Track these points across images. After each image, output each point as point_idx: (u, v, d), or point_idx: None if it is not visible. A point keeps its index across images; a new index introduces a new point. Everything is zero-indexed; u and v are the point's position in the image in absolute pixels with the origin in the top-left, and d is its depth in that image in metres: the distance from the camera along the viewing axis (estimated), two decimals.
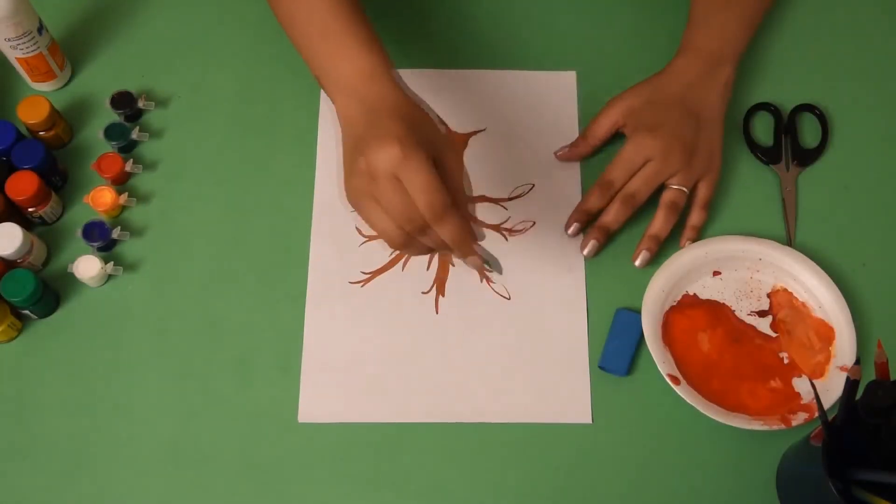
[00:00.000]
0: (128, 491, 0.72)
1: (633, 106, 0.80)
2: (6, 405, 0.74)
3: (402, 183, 0.61)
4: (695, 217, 0.79)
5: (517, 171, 0.83)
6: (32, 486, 0.72)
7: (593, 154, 0.83)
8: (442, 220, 0.62)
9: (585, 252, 0.78)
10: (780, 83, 0.86)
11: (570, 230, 0.79)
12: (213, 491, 0.72)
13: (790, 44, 0.88)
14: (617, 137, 0.82)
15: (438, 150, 0.64)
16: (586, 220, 0.79)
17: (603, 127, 0.81)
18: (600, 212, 0.79)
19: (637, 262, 0.78)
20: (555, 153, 0.83)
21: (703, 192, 0.79)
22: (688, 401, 0.72)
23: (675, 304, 0.77)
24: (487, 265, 0.70)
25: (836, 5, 0.90)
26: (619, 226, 0.78)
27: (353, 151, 0.64)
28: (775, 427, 0.72)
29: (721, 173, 0.81)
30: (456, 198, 0.64)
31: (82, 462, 0.73)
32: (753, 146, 0.84)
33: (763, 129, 0.85)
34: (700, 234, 0.80)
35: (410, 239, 0.64)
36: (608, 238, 0.79)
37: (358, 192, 0.64)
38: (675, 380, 0.73)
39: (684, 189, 0.78)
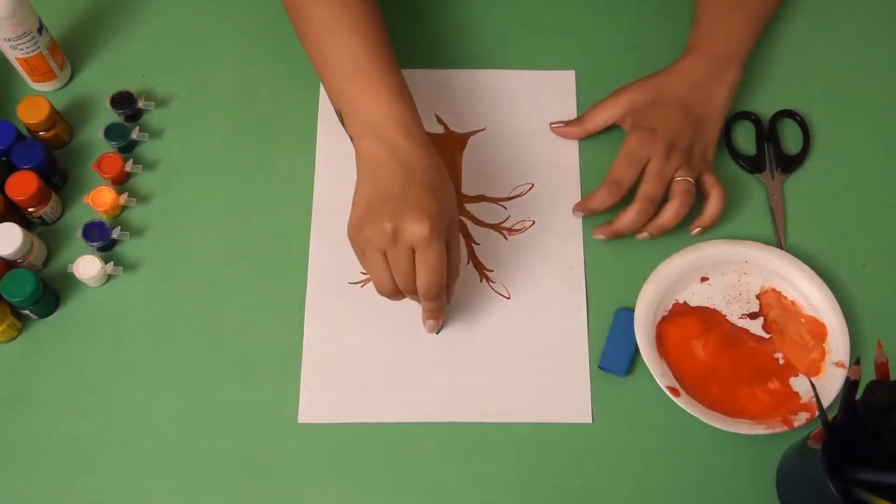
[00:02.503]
0: (128, 491, 0.72)
1: (637, 103, 0.80)
2: (6, 405, 0.74)
3: (416, 256, 0.67)
4: (712, 207, 0.78)
5: (516, 171, 0.83)
6: (32, 486, 0.72)
7: (584, 138, 0.83)
8: (432, 299, 0.69)
9: (595, 236, 0.78)
10: (758, 91, 0.86)
11: (575, 215, 0.80)
12: (214, 491, 0.72)
13: (767, 51, 0.88)
14: (612, 128, 0.82)
15: (452, 223, 0.70)
16: (590, 216, 0.80)
17: (603, 115, 0.81)
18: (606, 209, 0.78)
19: (638, 237, 0.78)
20: (550, 123, 0.83)
21: (709, 180, 0.79)
22: (689, 412, 0.72)
23: (666, 313, 0.77)
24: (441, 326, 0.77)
25: (809, 12, 0.90)
26: (634, 229, 0.77)
27: (380, 205, 0.67)
28: (778, 430, 0.72)
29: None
30: (453, 269, 0.71)
31: (82, 462, 0.73)
32: (737, 156, 0.83)
33: (745, 138, 0.85)
34: (714, 222, 0.79)
35: (397, 298, 0.71)
36: (617, 238, 0.78)
37: (370, 241, 0.68)
38: (675, 391, 0.73)
39: (689, 179, 0.77)
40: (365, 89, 0.71)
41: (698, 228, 0.79)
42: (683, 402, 0.72)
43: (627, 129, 0.80)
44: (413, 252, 0.67)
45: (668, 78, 0.80)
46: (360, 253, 0.70)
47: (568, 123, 0.83)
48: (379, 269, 0.69)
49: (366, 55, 0.71)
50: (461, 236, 0.80)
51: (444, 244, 0.68)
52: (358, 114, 0.71)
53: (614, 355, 0.76)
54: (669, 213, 0.76)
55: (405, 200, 0.67)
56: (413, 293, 0.70)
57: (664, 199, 0.77)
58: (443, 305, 0.72)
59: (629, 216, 0.76)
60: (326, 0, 0.73)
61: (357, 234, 0.69)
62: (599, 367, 0.76)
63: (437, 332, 0.76)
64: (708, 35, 0.81)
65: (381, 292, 0.71)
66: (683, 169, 0.77)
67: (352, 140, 0.72)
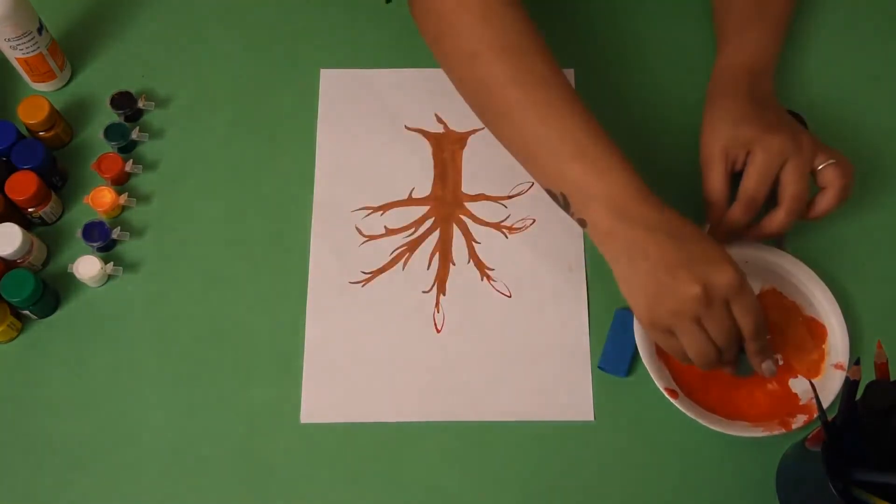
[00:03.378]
0: (128, 491, 0.72)
1: (725, 135, 0.74)
2: (6, 405, 0.74)
3: (732, 306, 0.65)
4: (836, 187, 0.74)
5: (516, 169, 0.82)
6: (32, 485, 0.72)
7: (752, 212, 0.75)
8: (760, 336, 0.67)
9: (765, 373, 0.72)
10: None
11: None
12: (215, 492, 0.72)
13: None
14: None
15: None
16: (735, 237, 0.75)
17: (719, 178, 0.74)
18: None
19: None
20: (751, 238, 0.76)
21: (843, 160, 0.74)
22: (687, 413, 0.72)
23: None
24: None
25: (809, 12, 0.89)
26: (784, 231, 0.74)
27: (671, 277, 0.64)
28: (776, 432, 0.72)
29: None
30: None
31: (82, 462, 0.73)
32: None
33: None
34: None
35: (719, 362, 0.68)
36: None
37: (679, 315, 0.65)
38: (673, 393, 0.73)
39: (830, 161, 0.73)
40: (595, 171, 0.67)
41: (811, 216, 0.75)
42: (682, 404, 0.72)
43: (751, 153, 0.73)
44: (727, 304, 0.65)
45: (721, 102, 0.76)
46: (668, 335, 0.67)
47: (727, 230, 0.74)
48: (699, 339, 0.66)
49: (586, 133, 0.68)
50: (462, 234, 0.80)
51: (747, 281, 0.65)
52: (592, 194, 0.67)
53: (614, 356, 0.75)
54: (826, 204, 0.74)
55: (697, 259, 0.64)
56: (734, 348, 0.67)
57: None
58: (769, 346, 0.70)
59: (774, 221, 0.73)
60: (529, 81, 0.69)
61: (660, 317, 0.66)
62: (599, 367, 0.76)
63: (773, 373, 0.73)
64: (738, 49, 0.79)
65: (705, 364, 0.67)
66: (820, 152, 0.73)
67: (583, 224, 0.69)
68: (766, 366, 0.71)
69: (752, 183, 0.72)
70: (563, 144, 0.68)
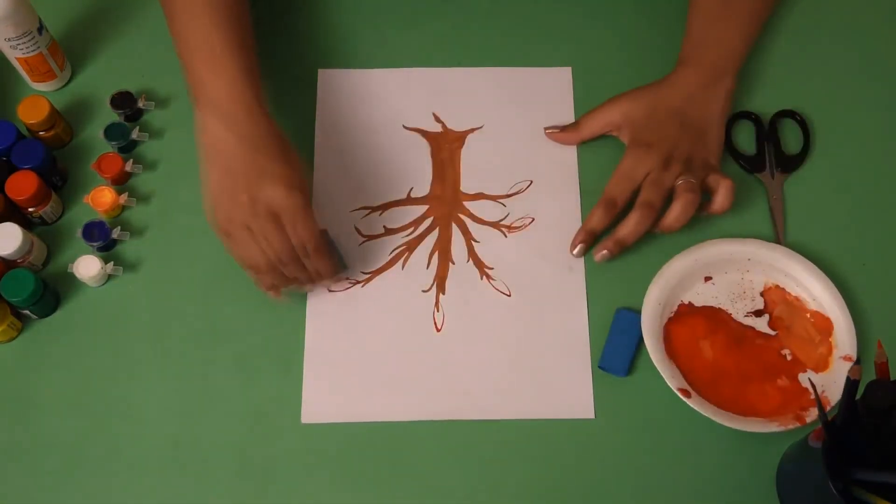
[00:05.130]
0: (128, 492, 0.72)
1: (632, 115, 0.80)
2: (6, 405, 0.75)
3: (282, 220, 0.69)
4: (719, 202, 0.78)
5: (515, 168, 0.83)
6: (32, 486, 0.72)
7: (577, 144, 0.83)
8: (316, 252, 0.71)
9: (597, 259, 0.78)
10: (758, 91, 0.86)
11: (576, 251, 0.78)
12: (215, 492, 0.72)
13: (767, 51, 0.87)
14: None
15: (304, 189, 0.71)
16: (592, 240, 0.78)
17: (598, 123, 0.81)
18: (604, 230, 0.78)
19: (596, 256, 0.78)
20: (545, 129, 0.83)
21: (714, 176, 0.78)
22: (701, 412, 0.71)
23: (672, 315, 0.77)
24: (342, 267, 0.78)
25: (809, 11, 0.89)
26: (636, 238, 0.77)
27: (232, 182, 0.69)
28: (791, 426, 0.72)
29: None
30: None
31: (82, 462, 0.73)
32: (737, 156, 0.83)
33: (745, 138, 0.84)
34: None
35: (277, 270, 0.72)
36: (622, 250, 0.78)
37: (231, 221, 0.70)
38: (686, 393, 0.73)
39: (693, 180, 0.76)
40: (214, 70, 0.72)
41: (705, 213, 0.78)
42: (695, 403, 0.72)
43: (624, 140, 0.81)
44: (277, 218, 0.69)
45: (663, 90, 0.80)
46: (226, 236, 0.71)
47: (563, 129, 0.83)
48: (247, 244, 0.70)
49: (220, 37, 0.73)
50: (461, 234, 0.80)
51: (308, 205, 0.70)
52: (206, 94, 0.72)
53: (614, 356, 0.75)
54: (676, 212, 0.76)
55: (260, 173, 0.69)
56: (287, 263, 0.71)
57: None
58: (331, 264, 0.73)
59: (629, 223, 0.76)
60: None
61: (216, 218, 0.71)
62: (599, 367, 0.75)
63: (345, 270, 0.77)
64: (701, 45, 0.81)
65: (255, 268, 0.71)
66: (684, 176, 0.77)
67: (197, 124, 0.73)
68: (334, 283, 0.77)
69: (613, 185, 0.78)
70: (201, 48, 0.73)
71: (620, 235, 0.77)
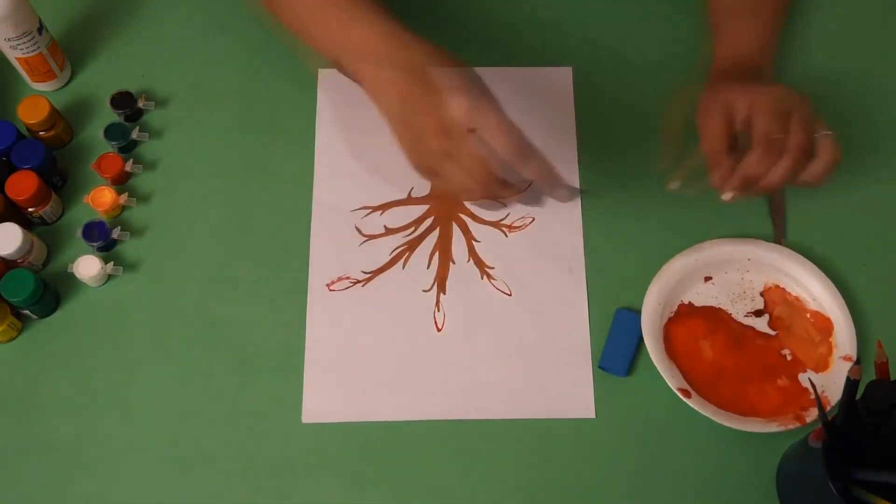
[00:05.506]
0: (128, 492, 0.72)
1: (726, 91, 0.72)
2: (6, 405, 0.75)
3: (479, 132, 0.62)
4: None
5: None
6: (32, 486, 0.72)
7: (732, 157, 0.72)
8: (527, 157, 0.64)
9: (727, 198, 0.70)
10: None
11: (727, 196, 0.71)
12: (216, 492, 0.72)
13: None
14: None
15: (482, 85, 0.65)
16: (746, 188, 0.70)
17: (717, 125, 0.71)
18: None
19: (726, 197, 0.71)
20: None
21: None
22: (702, 412, 0.72)
23: (672, 315, 0.77)
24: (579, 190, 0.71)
25: (809, 10, 0.89)
26: (784, 184, 0.70)
27: (412, 115, 0.63)
28: (791, 426, 0.72)
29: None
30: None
31: (82, 462, 0.73)
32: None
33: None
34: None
35: (490, 190, 0.65)
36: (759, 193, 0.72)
37: (432, 155, 0.64)
38: (687, 393, 0.73)
39: (830, 133, 0.71)
40: (349, 23, 0.68)
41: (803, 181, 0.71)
42: (696, 404, 0.72)
43: (749, 104, 0.71)
44: (472, 132, 0.63)
45: (717, 80, 0.75)
46: (432, 177, 0.66)
47: (722, 178, 0.71)
48: (453, 174, 0.64)
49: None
50: (462, 233, 0.80)
51: (497, 105, 0.63)
52: (349, 48, 0.68)
53: (614, 355, 0.75)
54: (820, 168, 0.70)
55: (428, 93, 0.63)
56: (499, 177, 0.65)
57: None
58: (548, 164, 0.66)
59: (782, 166, 0.69)
60: None
61: (417, 160, 0.65)
62: (600, 367, 0.75)
63: (578, 195, 0.70)
64: (734, 44, 0.78)
65: (472, 196, 0.66)
66: (820, 125, 0.71)
67: (359, 82, 0.68)
68: (560, 192, 0.68)
69: (765, 124, 0.69)
70: (317, 6, 0.69)
71: (773, 179, 0.69)
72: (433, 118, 0.63)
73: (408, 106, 0.65)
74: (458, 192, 0.65)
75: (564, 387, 0.75)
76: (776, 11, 0.82)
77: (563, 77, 0.86)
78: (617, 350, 0.76)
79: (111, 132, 0.82)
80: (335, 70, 0.85)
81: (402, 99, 0.65)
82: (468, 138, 0.63)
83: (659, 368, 0.73)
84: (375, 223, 0.81)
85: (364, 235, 0.80)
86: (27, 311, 0.76)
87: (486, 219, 0.81)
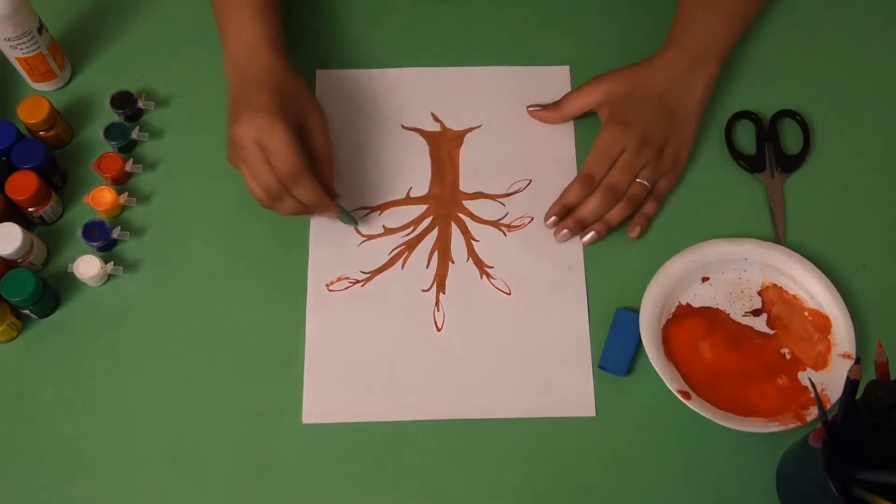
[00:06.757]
0: (128, 492, 0.72)
1: (614, 93, 0.80)
2: (6, 405, 0.75)
3: (263, 150, 0.70)
4: (648, 206, 0.80)
5: (514, 167, 0.83)
6: (32, 486, 0.72)
7: (561, 123, 0.84)
8: (297, 183, 0.71)
9: (557, 239, 0.79)
10: (759, 91, 0.86)
11: (549, 222, 0.79)
12: (215, 492, 0.72)
13: (766, 51, 0.87)
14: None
15: (306, 114, 0.74)
16: (566, 214, 0.79)
17: (581, 101, 0.82)
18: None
19: (583, 239, 0.79)
20: (528, 107, 0.84)
21: (662, 186, 0.80)
22: (702, 413, 0.71)
23: (670, 316, 0.77)
24: (347, 218, 0.79)
25: (809, 10, 0.89)
26: (595, 218, 0.79)
27: (230, 118, 0.72)
28: (792, 426, 0.72)
29: (683, 174, 0.82)
30: (321, 155, 0.75)
31: (82, 462, 0.73)
32: (737, 155, 0.83)
33: (745, 137, 0.84)
34: (650, 224, 0.80)
35: (274, 200, 0.72)
36: (583, 229, 0.79)
37: (233, 158, 0.72)
38: (686, 395, 0.73)
39: (647, 185, 0.79)
40: (232, 22, 0.76)
41: (638, 229, 0.80)
42: (695, 405, 0.72)
43: (602, 117, 0.81)
44: (260, 148, 0.70)
45: (647, 70, 0.81)
46: (238, 170, 0.73)
47: (545, 107, 0.83)
48: (246, 180, 0.72)
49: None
50: (461, 233, 0.80)
51: (287, 131, 0.69)
52: (224, 43, 0.77)
53: (614, 355, 0.75)
54: (614, 211, 0.79)
55: (241, 105, 0.71)
56: (277, 190, 0.71)
57: None
58: (318, 193, 0.72)
59: (591, 204, 0.78)
60: None
61: (228, 157, 0.73)
62: (600, 366, 0.75)
63: (354, 224, 0.79)
64: (687, 30, 0.82)
65: (259, 203, 0.73)
66: (649, 168, 0.78)
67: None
68: (327, 215, 0.77)
69: (591, 161, 0.79)
70: (228, 8, 0.77)
71: (581, 214, 0.78)
72: (236, 126, 0.70)
73: (229, 110, 0.73)
74: (252, 193, 0.73)
75: (564, 385, 0.75)
76: (735, 9, 0.82)
77: (561, 76, 0.86)
78: (617, 350, 0.75)
79: (111, 132, 0.82)
80: (333, 70, 0.87)
81: (230, 102, 0.73)
82: (253, 153, 0.70)
83: (658, 371, 0.73)
84: (374, 223, 0.81)
85: (363, 235, 0.80)
86: (27, 311, 0.76)
87: (484, 219, 0.81)
